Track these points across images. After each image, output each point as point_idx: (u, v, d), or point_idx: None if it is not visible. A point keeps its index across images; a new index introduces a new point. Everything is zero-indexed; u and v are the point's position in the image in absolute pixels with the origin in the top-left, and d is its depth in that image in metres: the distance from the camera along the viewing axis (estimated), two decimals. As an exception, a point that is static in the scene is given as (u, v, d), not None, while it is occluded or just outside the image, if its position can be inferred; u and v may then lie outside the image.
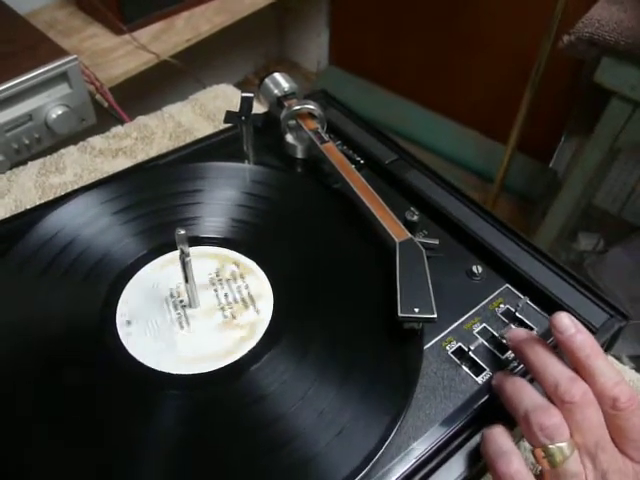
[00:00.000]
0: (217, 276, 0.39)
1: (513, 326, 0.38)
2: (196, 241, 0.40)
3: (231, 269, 0.40)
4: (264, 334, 0.36)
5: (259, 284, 0.39)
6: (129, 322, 0.36)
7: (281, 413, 0.32)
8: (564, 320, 0.32)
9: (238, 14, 1.13)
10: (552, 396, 0.31)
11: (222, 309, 0.37)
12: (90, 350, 0.35)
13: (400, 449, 0.32)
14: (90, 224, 0.41)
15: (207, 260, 0.40)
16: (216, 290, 0.38)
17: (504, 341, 0.37)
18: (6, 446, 0.31)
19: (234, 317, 0.37)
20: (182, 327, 0.36)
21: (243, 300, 0.38)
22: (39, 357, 0.35)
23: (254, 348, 0.35)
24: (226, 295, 0.38)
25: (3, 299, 0.37)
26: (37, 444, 0.31)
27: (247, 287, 0.39)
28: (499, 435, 0.31)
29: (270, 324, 0.36)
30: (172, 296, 0.38)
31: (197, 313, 0.37)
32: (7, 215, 0.47)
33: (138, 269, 0.39)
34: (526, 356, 0.33)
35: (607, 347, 0.39)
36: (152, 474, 0.30)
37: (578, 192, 1.08)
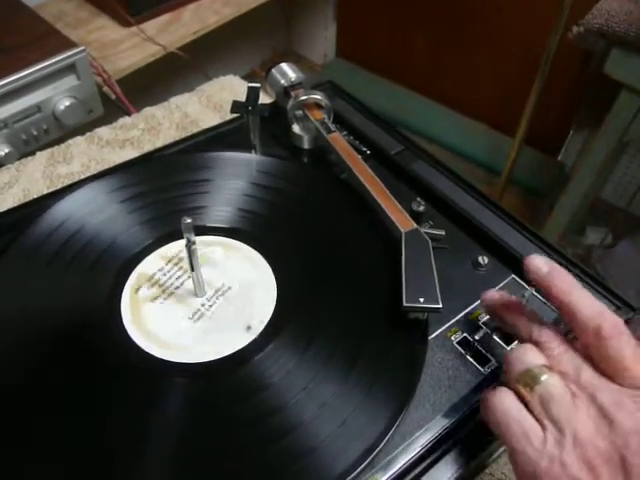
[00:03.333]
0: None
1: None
2: (202, 230, 0.41)
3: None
4: (268, 324, 0.36)
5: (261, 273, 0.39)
6: (134, 310, 0.36)
7: (284, 403, 0.32)
8: (537, 260, 0.32)
9: (245, 6, 1.13)
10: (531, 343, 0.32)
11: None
12: (96, 339, 0.35)
13: (404, 438, 0.32)
14: (97, 213, 0.41)
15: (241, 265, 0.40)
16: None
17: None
18: (11, 432, 0.31)
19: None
20: (188, 316, 0.37)
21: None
22: (45, 345, 0.35)
23: (258, 338, 0.35)
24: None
25: (11, 287, 0.38)
26: (41, 431, 0.31)
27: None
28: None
29: (274, 314, 0.37)
30: (177, 285, 0.38)
31: (204, 303, 0.37)
32: (15, 205, 0.47)
33: (144, 258, 0.39)
34: (503, 318, 0.35)
35: (613, 338, 0.39)
36: (155, 462, 0.30)
37: (586, 186, 1.08)
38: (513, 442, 0.28)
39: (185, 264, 0.39)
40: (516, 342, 0.37)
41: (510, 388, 0.31)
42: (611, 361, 0.29)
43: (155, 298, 0.37)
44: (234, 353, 0.34)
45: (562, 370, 0.29)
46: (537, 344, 0.31)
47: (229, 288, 0.38)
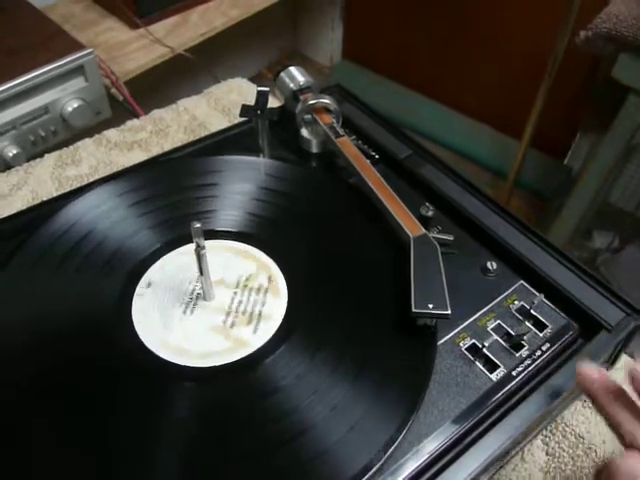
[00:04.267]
0: (246, 281, 0.39)
1: (528, 324, 0.38)
2: (211, 234, 0.41)
3: (260, 281, 0.39)
4: (278, 328, 0.36)
5: (277, 301, 0.38)
6: (144, 314, 0.37)
7: (293, 407, 0.32)
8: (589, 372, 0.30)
9: (253, 8, 1.13)
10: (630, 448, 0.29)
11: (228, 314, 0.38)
12: (106, 342, 0.35)
13: (413, 445, 0.32)
14: (106, 216, 0.41)
15: (244, 261, 0.40)
16: (235, 293, 0.39)
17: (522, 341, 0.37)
18: (19, 434, 0.31)
19: (231, 327, 0.37)
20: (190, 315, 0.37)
21: (250, 315, 0.37)
22: (54, 347, 0.35)
23: (269, 341, 0.35)
24: (240, 302, 0.38)
25: (21, 290, 0.38)
26: (49, 433, 0.31)
27: (263, 304, 0.38)
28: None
29: (284, 318, 0.37)
30: (187, 289, 0.38)
31: (208, 306, 0.38)
32: (24, 207, 0.48)
33: (154, 261, 0.39)
34: (601, 405, 0.31)
35: (623, 346, 0.39)
36: (166, 464, 0.30)
37: (593, 189, 1.07)
38: None
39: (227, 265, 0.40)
40: (526, 348, 0.37)
41: None
42: None
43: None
44: (245, 357, 0.34)
45: None
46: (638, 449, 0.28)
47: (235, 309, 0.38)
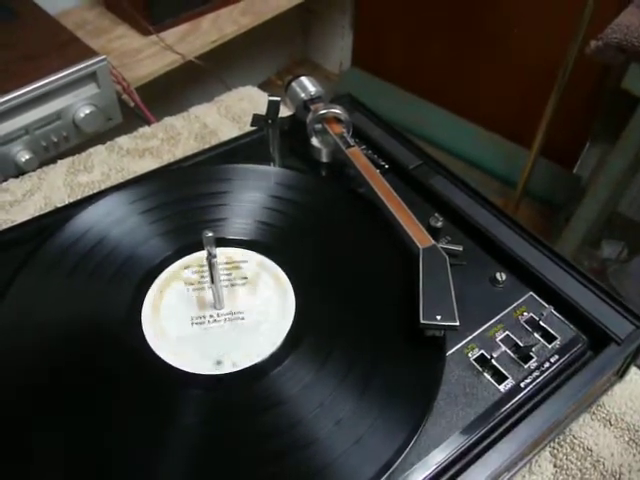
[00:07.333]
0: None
1: (537, 335, 0.38)
2: (222, 243, 0.41)
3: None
4: (285, 338, 0.36)
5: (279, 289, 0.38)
6: (154, 320, 0.37)
7: (299, 418, 0.32)
8: None
9: (263, 16, 1.14)
10: None
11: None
12: (116, 350, 0.36)
13: (420, 456, 0.32)
14: (118, 224, 0.42)
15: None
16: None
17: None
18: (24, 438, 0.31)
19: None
20: (206, 327, 0.37)
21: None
22: (65, 354, 0.35)
23: (275, 353, 0.35)
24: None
25: (32, 297, 0.38)
26: (58, 439, 0.32)
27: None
28: None
29: (292, 328, 0.37)
30: (197, 296, 0.39)
31: (222, 314, 0.38)
32: (37, 213, 0.48)
33: (164, 269, 0.40)
34: None
35: (632, 358, 0.39)
36: (169, 474, 0.30)
37: (602, 199, 1.07)
38: None
39: (236, 273, 0.40)
40: (535, 360, 0.37)
41: None
42: None
43: (190, 284, 0.39)
44: (252, 366, 0.34)
45: None
46: None
47: (242, 318, 0.38)
